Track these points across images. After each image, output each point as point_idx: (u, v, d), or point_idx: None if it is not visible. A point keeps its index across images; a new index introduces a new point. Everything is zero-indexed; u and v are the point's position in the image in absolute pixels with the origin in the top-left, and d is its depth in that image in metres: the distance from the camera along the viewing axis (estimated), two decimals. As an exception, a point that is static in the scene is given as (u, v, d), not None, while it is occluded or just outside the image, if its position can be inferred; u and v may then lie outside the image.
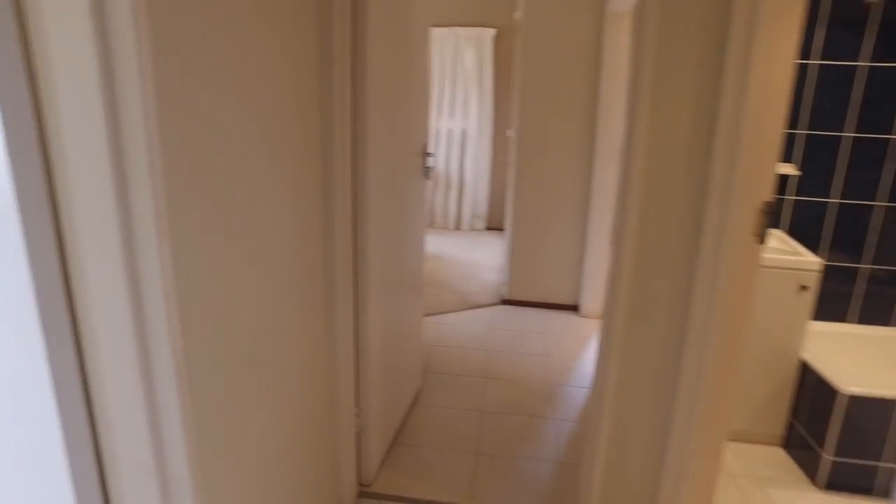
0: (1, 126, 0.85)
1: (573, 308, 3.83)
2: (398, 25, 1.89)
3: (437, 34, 5.50)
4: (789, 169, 2.48)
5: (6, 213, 0.89)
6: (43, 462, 1.06)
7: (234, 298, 1.16)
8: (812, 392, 2.20)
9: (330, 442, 1.83)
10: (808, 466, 2.20)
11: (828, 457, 2.09)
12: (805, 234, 2.53)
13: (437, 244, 5.27)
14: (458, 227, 5.94)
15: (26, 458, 1.10)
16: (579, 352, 3.22)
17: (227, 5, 1.04)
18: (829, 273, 2.52)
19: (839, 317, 2.57)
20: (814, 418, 2.18)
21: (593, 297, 3.69)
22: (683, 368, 1.50)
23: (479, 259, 4.91)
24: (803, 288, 2.21)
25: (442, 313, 3.71)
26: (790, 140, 2.48)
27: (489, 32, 5.45)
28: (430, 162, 2.31)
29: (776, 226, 2.56)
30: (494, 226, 5.94)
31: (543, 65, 3.47)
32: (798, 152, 2.48)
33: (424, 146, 2.30)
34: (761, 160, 1.35)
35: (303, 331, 1.54)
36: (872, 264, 2.50)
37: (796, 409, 2.31)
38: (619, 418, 1.64)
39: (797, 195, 2.52)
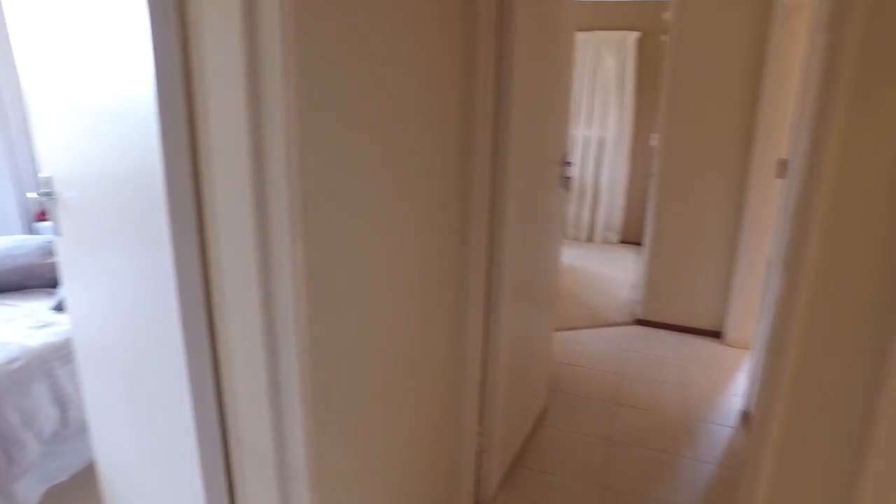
0: (158, 124, 0.90)
1: (715, 334, 3.47)
2: (544, 29, 1.81)
3: (578, 38, 5.33)
4: None
5: (157, 208, 0.95)
6: (176, 444, 1.14)
7: (365, 302, 1.15)
8: None
9: (450, 457, 1.79)
10: None
11: None
12: None
13: (567, 256, 5.09)
14: (590, 239, 5.70)
15: (163, 436, 1.18)
16: (723, 385, 2.89)
17: (372, 7, 1.03)
18: None
19: None
20: None
21: (741, 324, 3.31)
22: (879, 425, 1.24)
23: (612, 274, 4.65)
24: None
25: (571, 329, 3.55)
26: None
27: (632, 35, 5.17)
28: (570, 172, 2.19)
29: None
30: (629, 239, 5.61)
31: (695, 66, 3.19)
32: None
33: (564, 155, 2.19)
34: None
35: (431, 340, 1.52)
36: None
37: None
38: (784, 478, 1.41)
39: None
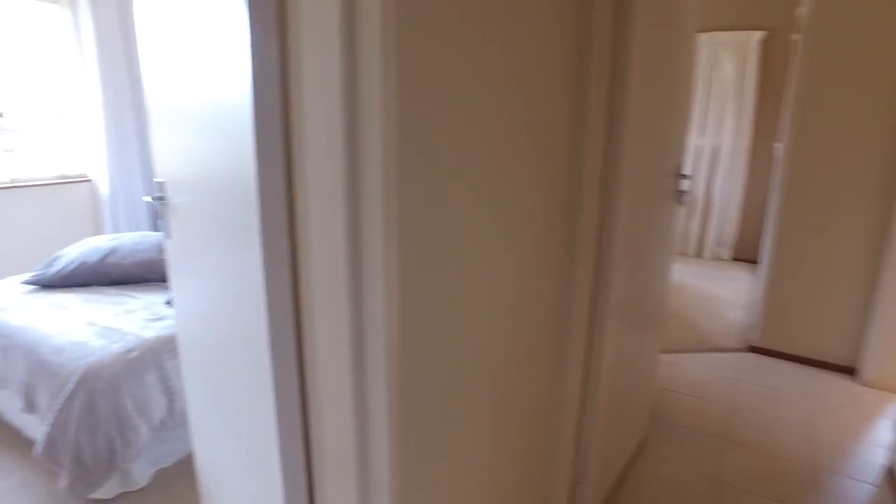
0: (253, 129, 0.89)
1: (847, 371, 3.06)
2: (664, 31, 1.66)
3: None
4: None
5: (250, 213, 0.94)
6: (259, 444, 1.14)
7: (460, 313, 1.09)
8: None
9: (541, 486, 1.68)
10: None
11: None
12: None
13: (674, 272, 4.76)
14: (699, 255, 5.31)
15: (247, 435, 1.19)
16: (859, 431, 2.53)
17: (478, 10, 0.97)
18: None
19: None
20: None
21: (883, 361, 2.89)
22: None
23: (722, 294, 4.28)
24: None
25: (675, 352, 3.29)
26: None
27: (755, 36, 4.75)
28: (685, 185, 2.01)
29: None
30: (742, 256, 5.16)
31: (834, 67, 2.83)
32: None
33: (679, 167, 2.01)
34: None
35: (529, 357, 1.42)
36: None
37: None
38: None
39: None
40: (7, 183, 3.71)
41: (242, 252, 1.03)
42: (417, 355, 0.99)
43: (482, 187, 1.07)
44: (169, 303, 2.42)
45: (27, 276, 2.75)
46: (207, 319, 1.27)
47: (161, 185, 1.28)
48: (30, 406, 2.08)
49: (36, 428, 2.16)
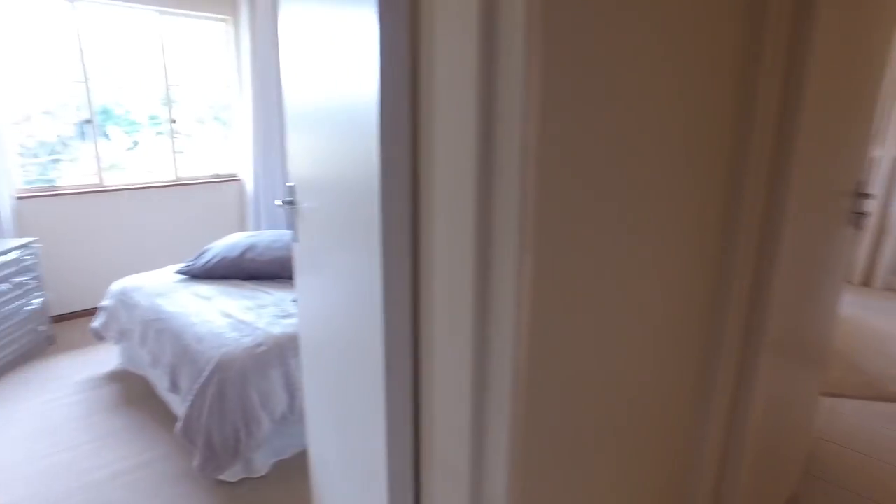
0: (378, 133, 0.84)
1: None
2: (853, 17, 1.39)
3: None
4: None
5: (372, 220, 0.90)
6: (367, 452, 1.12)
7: (594, 342, 0.98)
8: None
9: (671, 541, 1.48)
10: None
11: None
12: None
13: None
14: (866, 283, 4.59)
15: (358, 440, 1.16)
16: None
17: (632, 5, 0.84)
18: None
19: None
20: None
21: None
22: None
23: (898, 332, 3.64)
24: None
25: (836, 396, 2.83)
26: None
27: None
28: (865, 206, 1.69)
29: None
30: (927, 289, 4.37)
31: None
32: None
33: (859, 185, 1.69)
34: None
35: (667, 396, 1.26)
36: None
37: None
38: None
39: None
40: (175, 181, 4.16)
41: (362, 259, 1.01)
42: (545, 381, 0.90)
43: (627, 200, 0.95)
44: (296, 301, 2.52)
45: (180, 266, 3.03)
46: (326, 322, 1.27)
47: (291, 189, 1.30)
48: (174, 387, 2.27)
49: (179, 407, 2.35)
